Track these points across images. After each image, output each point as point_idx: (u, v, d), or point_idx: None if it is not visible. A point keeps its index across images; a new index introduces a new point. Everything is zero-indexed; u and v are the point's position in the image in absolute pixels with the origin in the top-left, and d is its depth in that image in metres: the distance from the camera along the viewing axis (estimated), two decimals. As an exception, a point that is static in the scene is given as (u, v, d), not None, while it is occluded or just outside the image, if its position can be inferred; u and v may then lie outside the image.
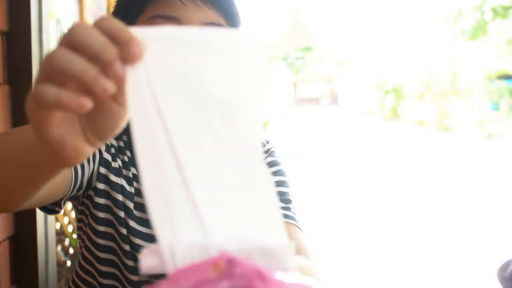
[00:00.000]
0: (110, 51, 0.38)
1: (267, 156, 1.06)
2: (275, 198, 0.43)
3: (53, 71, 0.39)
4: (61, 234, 2.30)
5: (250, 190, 0.42)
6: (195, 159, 0.41)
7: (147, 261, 0.39)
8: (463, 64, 16.38)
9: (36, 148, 0.53)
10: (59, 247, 2.25)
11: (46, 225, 1.51)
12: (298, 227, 0.96)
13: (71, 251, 2.41)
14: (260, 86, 0.42)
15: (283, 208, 0.97)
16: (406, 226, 5.34)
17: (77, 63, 0.38)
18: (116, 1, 0.94)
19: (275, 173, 1.04)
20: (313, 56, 35.66)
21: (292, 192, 1.03)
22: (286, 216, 0.96)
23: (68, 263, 2.27)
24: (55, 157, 0.43)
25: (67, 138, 0.42)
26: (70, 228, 2.34)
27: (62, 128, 0.41)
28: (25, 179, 0.58)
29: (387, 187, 7.37)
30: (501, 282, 1.30)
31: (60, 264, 2.13)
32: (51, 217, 1.54)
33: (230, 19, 0.92)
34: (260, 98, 0.42)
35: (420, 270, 4.02)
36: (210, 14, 0.87)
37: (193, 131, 0.41)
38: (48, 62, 0.39)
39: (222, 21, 0.89)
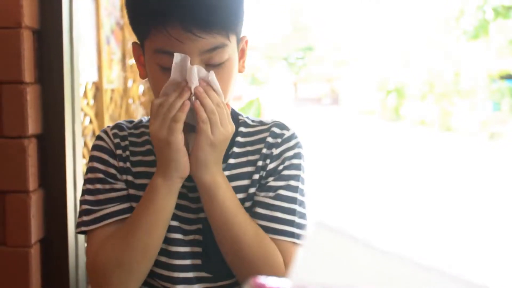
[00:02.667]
0: None
1: (295, 147, 1.06)
2: None
3: None
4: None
5: None
6: None
7: None
8: (465, 64, 16.37)
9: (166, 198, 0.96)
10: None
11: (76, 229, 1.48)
12: (294, 242, 1.00)
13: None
14: None
15: (286, 222, 1.00)
16: (409, 227, 5.31)
17: None
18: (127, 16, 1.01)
19: (297, 167, 1.04)
20: (314, 56, 35.65)
21: (305, 191, 1.05)
22: (285, 233, 1.00)
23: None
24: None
25: None
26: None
27: None
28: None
29: (389, 188, 7.34)
30: None
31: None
32: (81, 219, 1.52)
33: (234, 31, 0.96)
34: None
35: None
36: (208, 41, 0.91)
37: None
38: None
39: (223, 39, 0.93)
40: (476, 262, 4.19)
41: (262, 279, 0.35)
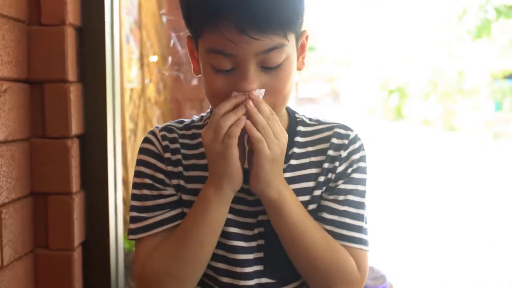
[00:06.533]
0: None
1: (360, 149, 1.02)
2: None
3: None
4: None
5: None
6: None
7: None
8: (468, 64, 16.35)
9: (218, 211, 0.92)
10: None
11: (116, 231, 1.45)
12: (362, 249, 0.98)
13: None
14: None
15: (355, 228, 0.97)
16: (411, 228, 5.29)
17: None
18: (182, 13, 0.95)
19: (363, 170, 1.01)
20: (315, 55, 35.63)
21: (367, 196, 1.01)
22: (355, 240, 0.97)
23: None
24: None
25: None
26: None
27: None
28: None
29: (391, 188, 7.32)
30: None
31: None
32: (121, 223, 1.48)
33: (292, 29, 0.89)
34: None
35: (428, 276, 3.97)
36: (264, 42, 0.85)
37: None
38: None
39: (281, 39, 0.87)
40: (475, 263, 4.17)
41: None
